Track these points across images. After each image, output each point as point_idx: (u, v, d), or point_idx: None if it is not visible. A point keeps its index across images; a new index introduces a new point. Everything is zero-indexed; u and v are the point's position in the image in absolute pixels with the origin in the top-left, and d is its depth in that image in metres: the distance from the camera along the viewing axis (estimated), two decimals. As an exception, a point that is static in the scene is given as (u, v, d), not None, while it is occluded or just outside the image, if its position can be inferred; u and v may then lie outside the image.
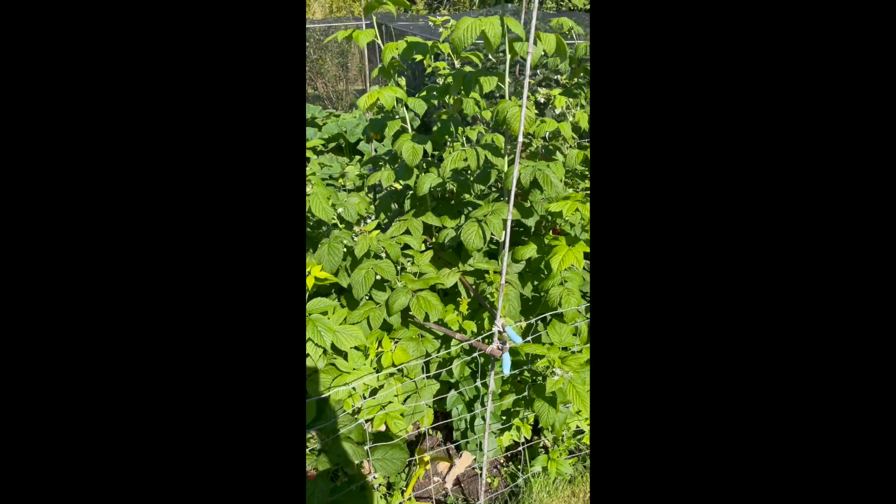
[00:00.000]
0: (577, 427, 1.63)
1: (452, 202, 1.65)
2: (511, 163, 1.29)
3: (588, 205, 1.09)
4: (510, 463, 1.69)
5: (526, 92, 0.95)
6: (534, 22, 0.88)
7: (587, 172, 1.91)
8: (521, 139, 0.96)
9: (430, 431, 1.81)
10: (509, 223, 1.06)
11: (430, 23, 1.33)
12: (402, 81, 2.08)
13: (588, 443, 1.66)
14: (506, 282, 1.34)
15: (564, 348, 1.46)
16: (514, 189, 1.02)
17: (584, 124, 1.23)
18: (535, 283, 1.41)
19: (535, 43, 1.09)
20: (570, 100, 1.88)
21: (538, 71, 2.45)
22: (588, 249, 1.17)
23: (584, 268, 1.71)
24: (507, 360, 1.17)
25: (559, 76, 2.26)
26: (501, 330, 1.19)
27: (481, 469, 1.54)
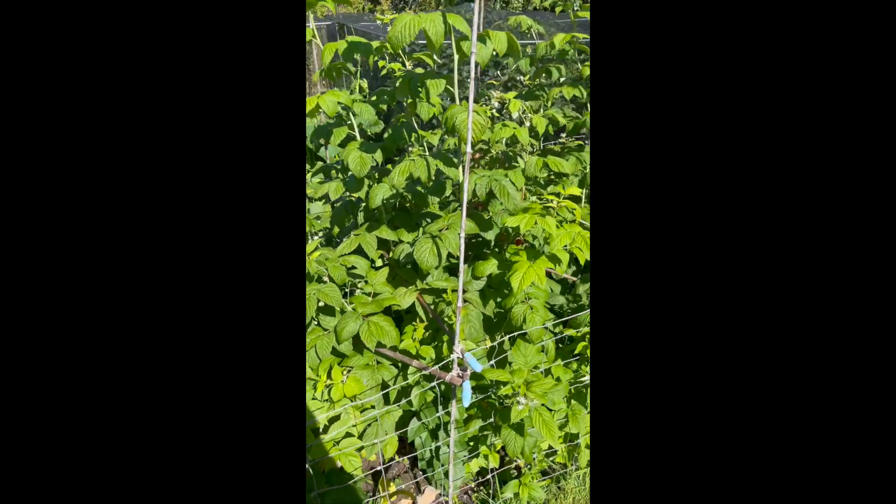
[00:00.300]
0: (549, 447, 1.54)
1: (411, 212, 1.54)
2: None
3: (547, 218, 0.99)
4: (481, 488, 1.59)
5: (472, 95, 0.85)
6: (477, 18, 0.78)
7: (553, 177, 1.83)
8: (468, 148, 0.86)
9: (396, 457, 1.70)
10: (462, 240, 0.96)
11: (378, 21, 1.22)
12: (364, 84, 1.95)
13: (561, 461, 1.59)
14: (466, 301, 1.24)
15: (536, 367, 1.37)
16: (465, 203, 0.92)
17: (542, 128, 1.15)
18: (499, 299, 1.31)
19: (484, 42, 0.99)
20: (532, 102, 1.80)
21: (500, 73, 2.37)
22: (550, 265, 1.08)
23: (554, 277, 1.63)
24: (467, 389, 1.07)
25: (522, 77, 2.18)
26: (460, 356, 1.09)
27: (448, 498, 1.44)
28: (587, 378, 1.39)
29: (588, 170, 1.76)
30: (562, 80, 1.83)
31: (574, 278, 1.55)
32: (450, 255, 1.44)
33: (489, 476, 1.52)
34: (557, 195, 1.04)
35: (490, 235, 1.23)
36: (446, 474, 1.48)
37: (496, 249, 1.43)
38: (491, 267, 1.21)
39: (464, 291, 1.27)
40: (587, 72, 1.55)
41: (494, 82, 2.14)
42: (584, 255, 1.11)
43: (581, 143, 2.10)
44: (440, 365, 1.15)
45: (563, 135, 1.98)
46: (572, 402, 1.44)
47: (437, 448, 1.44)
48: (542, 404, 1.17)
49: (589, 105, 1.70)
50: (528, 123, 1.13)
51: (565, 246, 1.16)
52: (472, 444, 1.46)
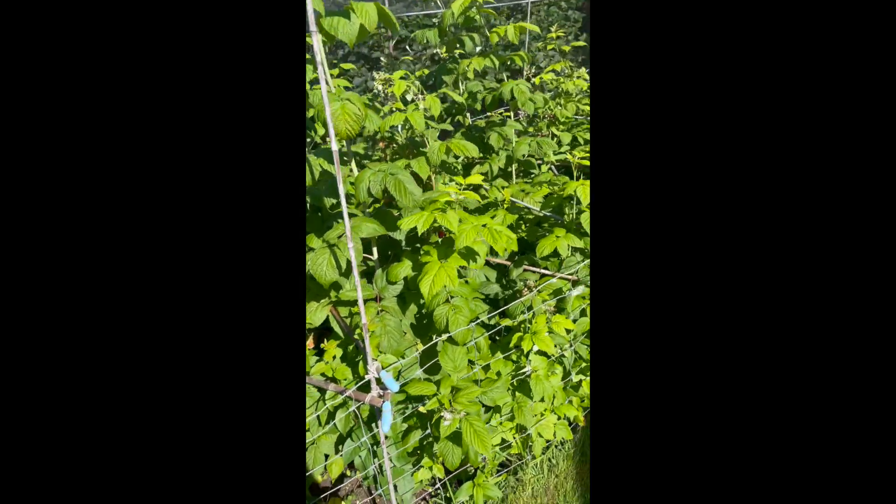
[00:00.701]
0: (503, 440, 1.48)
1: (322, 214, 1.39)
2: (360, 167, 1.05)
3: (449, 213, 0.88)
4: (439, 491, 1.52)
5: (323, 81, 0.70)
6: (307, -15, 0.63)
7: (478, 159, 1.71)
8: (334, 146, 0.73)
9: (348, 472, 1.60)
10: (352, 250, 0.84)
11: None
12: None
13: (516, 452, 1.53)
14: (382, 310, 1.12)
15: (472, 362, 1.28)
16: (344, 205, 0.78)
17: (437, 110, 1.02)
18: (422, 301, 1.20)
19: (348, 16, 0.84)
20: (447, 77, 1.65)
21: (410, 48, 2.19)
22: (464, 262, 0.97)
23: (490, 263, 1.53)
24: (387, 412, 0.97)
25: (438, 51, 2.02)
26: (377, 376, 0.98)
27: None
28: (528, 368, 1.32)
29: (514, 143, 1.66)
30: (477, 49, 1.69)
31: (509, 262, 1.47)
32: (366, 259, 1.31)
33: (443, 481, 1.45)
34: (461, 185, 0.92)
35: (399, 236, 1.11)
36: (396, 487, 1.40)
37: (417, 245, 1.31)
38: (405, 269, 1.09)
39: (380, 299, 1.16)
40: (495, 38, 1.42)
41: (409, 58, 1.97)
42: (501, 245, 1.01)
43: (508, 116, 1.99)
44: (358, 385, 1.04)
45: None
46: (517, 394, 1.37)
47: (381, 465, 1.34)
48: (478, 410, 1.09)
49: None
50: (422, 105, 1.01)
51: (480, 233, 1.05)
52: (419, 452, 1.38)
